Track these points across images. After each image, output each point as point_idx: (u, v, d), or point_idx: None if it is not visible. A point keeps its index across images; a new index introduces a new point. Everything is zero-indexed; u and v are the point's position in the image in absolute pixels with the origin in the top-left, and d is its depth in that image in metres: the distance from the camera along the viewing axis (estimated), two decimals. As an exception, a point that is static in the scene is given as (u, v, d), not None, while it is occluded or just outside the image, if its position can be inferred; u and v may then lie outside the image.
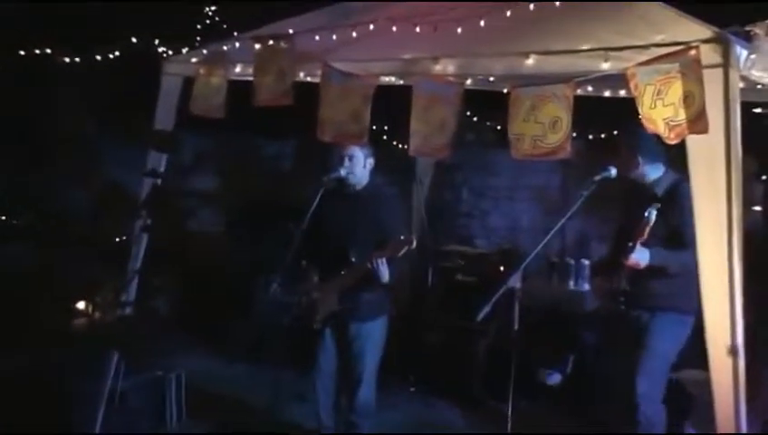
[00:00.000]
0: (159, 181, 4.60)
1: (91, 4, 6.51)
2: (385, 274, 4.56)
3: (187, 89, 4.90)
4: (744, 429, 3.23)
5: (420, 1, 4.30)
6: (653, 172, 4.55)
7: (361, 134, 4.25)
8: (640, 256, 4.17)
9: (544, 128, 3.67)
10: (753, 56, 3.34)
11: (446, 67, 4.01)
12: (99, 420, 4.77)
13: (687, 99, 3.25)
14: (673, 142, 3.34)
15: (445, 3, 4.21)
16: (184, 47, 5.21)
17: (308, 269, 4.89)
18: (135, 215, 4.27)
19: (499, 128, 7.66)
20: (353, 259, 4.66)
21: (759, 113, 3.81)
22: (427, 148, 4.11)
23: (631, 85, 3.39)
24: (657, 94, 3.31)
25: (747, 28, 3.35)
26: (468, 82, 4.40)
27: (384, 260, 4.51)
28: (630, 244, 4.16)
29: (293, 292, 4.97)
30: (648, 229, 4.06)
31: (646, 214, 4.06)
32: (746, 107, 3.42)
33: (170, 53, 5.36)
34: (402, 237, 4.47)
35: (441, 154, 4.16)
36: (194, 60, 4.92)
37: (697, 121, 3.22)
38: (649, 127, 3.41)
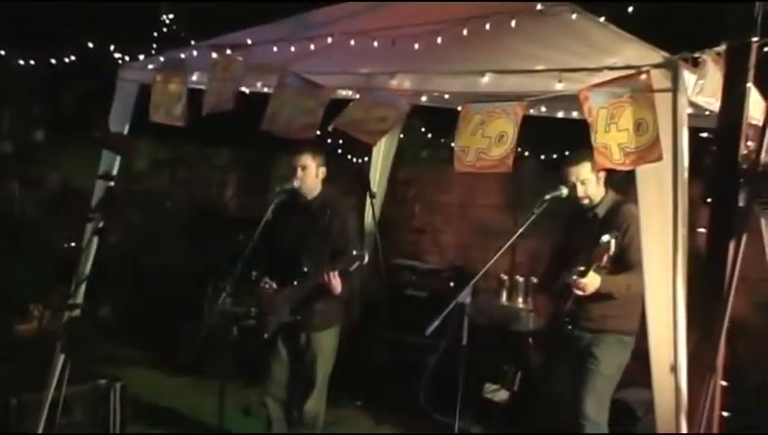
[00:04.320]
0: (113, 184, 4.54)
1: (47, 8, 6.42)
2: (337, 286, 4.58)
3: (143, 95, 4.86)
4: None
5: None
6: (599, 193, 4.63)
7: (313, 126, 4.14)
8: (590, 281, 4.23)
9: (490, 142, 3.67)
10: (701, 82, 3.42)
11: (403, 83, 4.02)
12: (39, 430, 4.68)
13: (640, 126, 3.29)
14: (628, 169, 3.39)
15: (403, 19, 4.23)
16: (140, 54, 5.16)
17: (259, 279, 4.89)
18: (87, 218, 4.20)
19: (453, 145, 7.72)
20: (305, 269, 4.67)
21: (705, 138, 3.90)
22: (355, 129, 4.06)
23: (585, 108, 3.42)
24: (611, 118, 3.34)
25: (696, 55, 3.43)
26: (424, 99, 4.43)
27: (336, 274, 4.54)
28: (583, 268, 4.21)
29: (243, 302, 4.95)
30: (606, 257, 4.11)
31: (603, 240, 4.10)
32: (693, 132, 3.50)
33: (126, 58, 5.30)
34: (354, 253, 4.50)
35: (366, 138, 4.14)
36: (150, 66, 4.89)
37: (651, 151, 3.26)
38: (600, 157, 3.43)
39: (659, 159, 3.26)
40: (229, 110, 4.34)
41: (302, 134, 4.25)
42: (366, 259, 4.54)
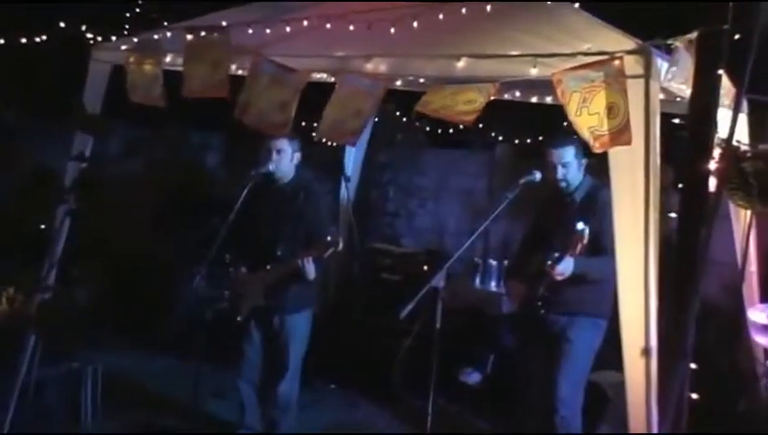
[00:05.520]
0: (85, 165, 4.51)
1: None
2: (311, 271, 4.60)
3: (116, 76, 4.83)
4: (654, 427, 3.33)
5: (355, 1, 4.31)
6: (578, 178, 4.66)
7: (285, 125, 4.19)
8: (565, 267, 4.27)
9: (457, 102, 3.80)
10: (673, 69, 3.46)
11: (378, 66, 4.03)
12: (10, 414, 4.66)
13: (612, 110, 3.34)
14: (597, 151, 3.44)
15: (379, 3, 4.23)
16: (113, 35, 5.11)
17: (233, 263, 4.88)
18: (59, 199, 4.16)
19: (428, 129, 7.75)
20: (279, 253, 4.67)
21: (677, 124, 3.94)
22: (335, 133, 4.14)
23: (558, 91, 3.47)
24: (583, 102, 3.39)
25: (669, 41, 3.46)
26: (399, 83, 4.44)
27: (310, 259, 4.54)
28: (558, 254, 4.24)
29: (217, 285, 4.95)
30: (580, 245, 4.15)
31: (578, 228, 4.13)
32: (665, 118, 3.54)
33: (99, 39, 5.25)
34: (329, 239, 4.50)
35: (348, 140, 4.19)
36: (123, 47, 4.85)
37: (621, 134, 3.32)
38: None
39: (628, 142, 3.31)
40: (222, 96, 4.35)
41: (274, 132, 4.29)
42: (341, 245, 4.55)
